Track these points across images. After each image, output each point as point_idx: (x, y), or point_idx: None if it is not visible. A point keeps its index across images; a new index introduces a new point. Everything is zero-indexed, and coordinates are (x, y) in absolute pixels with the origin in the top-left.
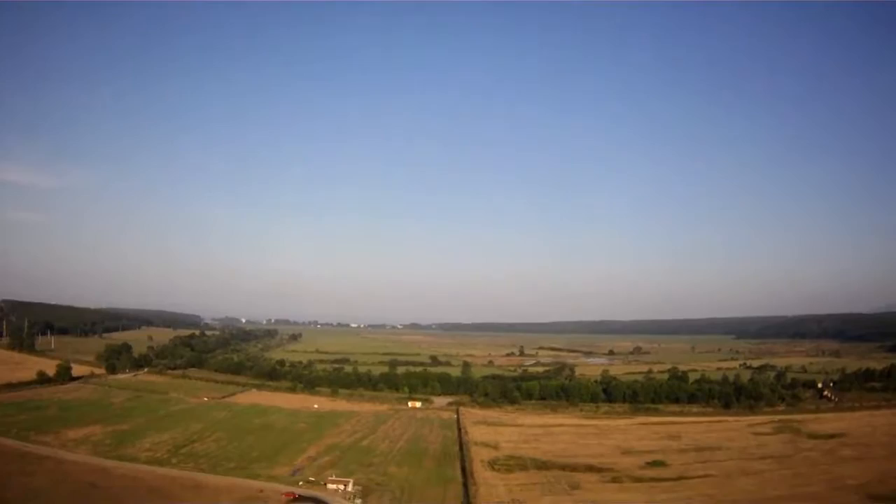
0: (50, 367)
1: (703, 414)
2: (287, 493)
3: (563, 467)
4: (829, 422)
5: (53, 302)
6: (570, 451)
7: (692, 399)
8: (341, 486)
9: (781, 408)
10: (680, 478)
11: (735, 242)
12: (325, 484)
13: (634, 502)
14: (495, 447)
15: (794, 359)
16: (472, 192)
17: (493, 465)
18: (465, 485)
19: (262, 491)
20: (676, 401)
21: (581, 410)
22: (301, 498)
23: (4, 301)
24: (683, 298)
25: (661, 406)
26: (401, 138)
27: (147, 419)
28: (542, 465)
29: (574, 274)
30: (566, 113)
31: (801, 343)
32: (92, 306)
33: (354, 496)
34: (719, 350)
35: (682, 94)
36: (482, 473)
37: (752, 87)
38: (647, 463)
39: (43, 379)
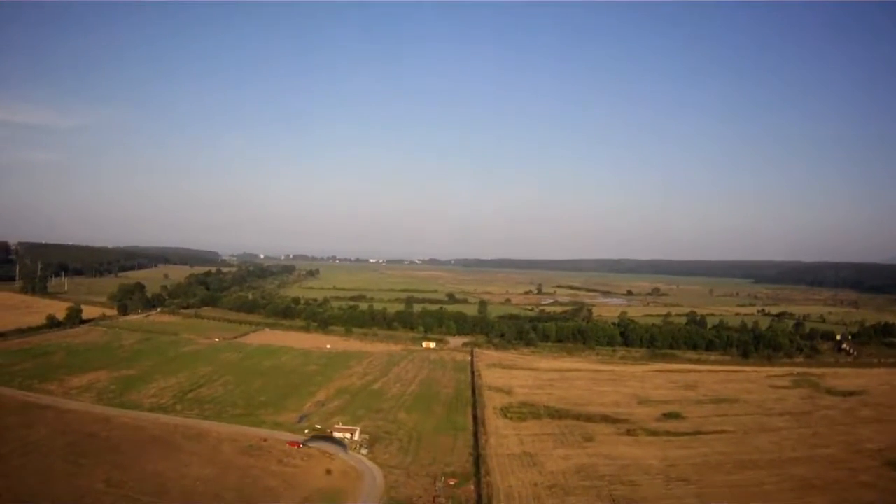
0: (60, 311)
1: (721, 362)
2: (291, 443)
3: (578, 416)
4: (848, 377)
5: (71, 243)
6: (585, 399)
7: (710, 346)
8: (347, 435)
9: (800, 359)
10: (696, 432)
11: (755, 186)
12: (331, 432)
13: (648, 458)
14: (509, 392)
15: (813, 307)
16: (491, 126)
17: (505, 412)
18: (476, 434)
19: (265, 440)
20: (694, 347)
21: (598, 354)
22: (316, 438)
23: (20, 243)
24: (702, 240)
25: (678, 352)
26: (419, 74)
27: (155, 363)
28: (556, 414)
29: (593, 211)
30: (584, 45)
31: (818, 291)
32: (110, 245)
33: (361, 445)
34: (737, 294)
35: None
36: (494, 421)
37: (782, 21)
38: (664, 415)
39: (52, 323)
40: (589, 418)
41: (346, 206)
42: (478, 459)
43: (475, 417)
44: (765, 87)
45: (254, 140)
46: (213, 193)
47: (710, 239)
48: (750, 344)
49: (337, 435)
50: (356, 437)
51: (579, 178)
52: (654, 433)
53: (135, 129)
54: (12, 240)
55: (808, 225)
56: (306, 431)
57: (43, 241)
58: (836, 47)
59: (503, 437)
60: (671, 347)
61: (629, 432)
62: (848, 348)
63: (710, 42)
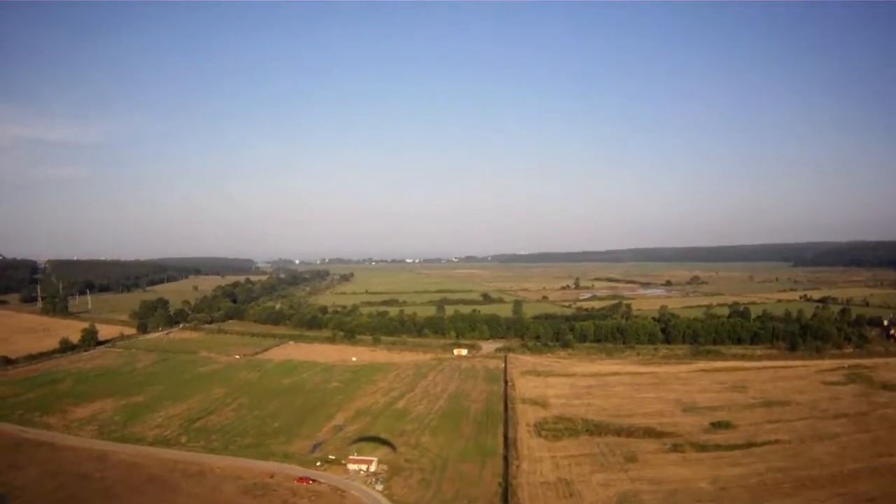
0: (76, 333)
1: (769, 357)
2: (301, 479)
3: (619, 431)
4: None
5: (101, 258)
6: (626, 409)
7: (755, 339)
8: (363, 467)
9: (849, 350)
10: (748, 444)
11: (788, 168)
12: (346, 464)
13: (698, 480)
14: (544, 405)
15: (854, 290)
16: (523, 121)
17: (539, 429)
18: (507, 458)
19: (272, 476)
20: (739, 341)
21: (638, 354)
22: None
23: (49, 262)
24: (736, 224)
25: (722, 347)
26: (453, 71)
27: (166, 386)
28: (595, 429)
29: (629, 201)
30: (623, 26)
31: (857, 271)
32: (142, 259)
33: (377, 479)
34: (777, 279)
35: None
36: (527, 442)
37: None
38: (712, 424)
39: (66, 347)
40: (630, 433)
41: (380, 207)
42: (506, 491)
43: (506, 438)
44: (792, 65)
45: (285, 144)
46: (245, 200)
47: (744, 223)
48: (797, 335)
49: (352, 467)
50: (373, 468)
51: (612, 169)
52: (702, 447)
53: (160, 140)
54: (42, 258)
55: (843, 204)
56: (318, 464)
57: (73, 258)
58: (862, 26)
59: (536, 460)
60: (715, 343)
61: (675, 448)
62: None
63: (734, 27)
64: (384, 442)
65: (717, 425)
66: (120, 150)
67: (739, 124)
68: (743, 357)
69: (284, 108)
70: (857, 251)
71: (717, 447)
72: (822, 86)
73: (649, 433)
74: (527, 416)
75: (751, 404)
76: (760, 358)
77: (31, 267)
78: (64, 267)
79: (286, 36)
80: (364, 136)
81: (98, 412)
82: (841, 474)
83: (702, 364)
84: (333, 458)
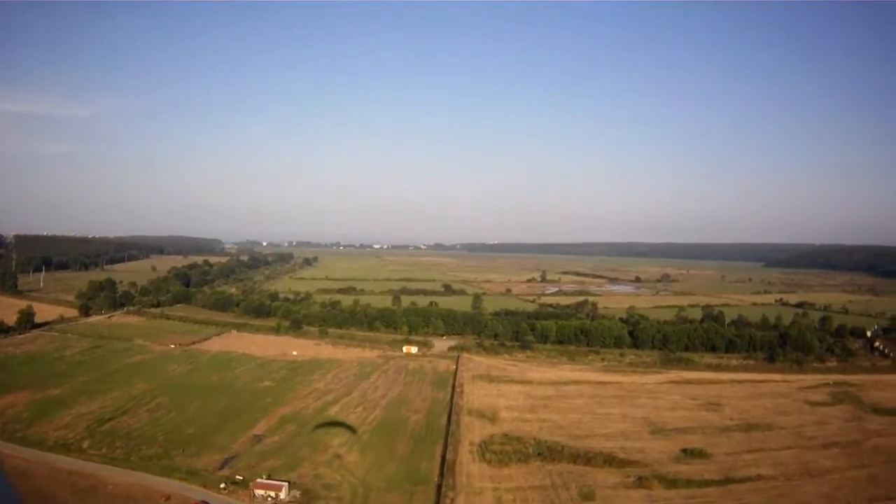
0: (13, 314)
1: (745, 368)
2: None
3: (575, 457)
4: (892, 388)
5: (72, 234)
6: (586, 427)
7: (731, 347)
8: (272, 494)
9: (832, 363)
10: (726, 479)
11: (763, 168)
12: (253, 488)
13: None
14: (492, 419)
15: (831, 295)
16: (498, 109)
17: (484, 450)
18: (440, 488)
19: (168, 499)
20: (713, 349)
21: (603, 360)
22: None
23: (16, 236)
24: (711, 223)
25: (695, 356)
26: (427, 63)
27: (89, 378)
28: (549, 453)
29: (602, 194)
30: (588, 30)
31: (832, 275)
32: (112, 235)
33: None
34: (750, 280)
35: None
36: (468, 467)
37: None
38: (683, 451)
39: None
40: (589, 459)
41: (350, 192)
42: None
43: (443, 461)
44: (772, 68)
45: (263, 128)
46: (219, 181)
47: (719, 222)
48: (776, 345)
49: (259, 493)
50: (283, 495)
51: (587, 162)
52: (671, 483)
53: (145, 119)
54: (12, 232)
55: (817, 207)
56: (222, 486)
57: (42, 234)
58: (849, 28)
59: (476, 492)
60: (687, 349)
61: (640, 482)
62: (881, 346)
63: (717, 31)
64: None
65: (690, 453)
66: (101, 128)
67: (718, 124)
68: (717, 367)
69: (262, 90)
70: (832, 254)
71: (689, 483)
72: (800, 88)
73: (610, 461)
74: (472, 432)
75: (727, 427)
76: (737, 369)
77: None
78: (27, 242)
79: (271, 21)
80: (340, 121)
81: (7, 406)
82: None
83: (672, 374)
84: (241, 478)
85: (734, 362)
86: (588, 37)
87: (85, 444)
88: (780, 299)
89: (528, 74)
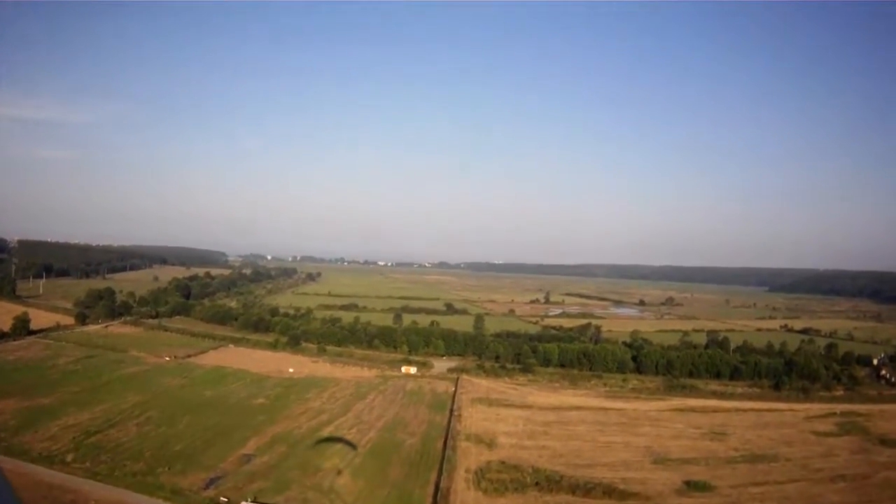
0: (9, 320)
1: (750, 396)
2: None
3: (574, 488)
4: None
5: (75, 241)
6: (587, 456)
7: (735, 374)
8: None
9: (839, 392)
10: None
11: (768, 192)
12: None
13: None
14: (490, 445)
15: (835, 321)
16: (502, 129)
17: (480, 478)
18: None
19: None
20: (718, 375)
21: (605, 385)
22: None
23: (19, 241)
24: (714, 246)
25: (699, 382)
26: (433, 74)
27: (81, 388)
28: (547, 483)
29: (606, 216)
30: (594, 46)
31: (836, 301)
32: (115, 244)
33: None
34: (754, 305)
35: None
36: (462, 496)
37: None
38: (686, 483)
39: None
40: (588, 490)
41: (357, 207)
42: None
43: (437, 489)
44: (775, 89)
45: (267, 139)
46: (225, 192)
47: (722, 245)
48: (782, 372)
49: None
50: None
51: (591, 183)
52: None
53: (147, 126)
54: (16, 237)
55: (820, 231)
56: None
57: (46, 240)
58: (850, 46)
59: None
60: (691, 375)
61: None
62: (888, 375)
63: (720, 44)
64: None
65: (693, 486)
66: (106, 134)
67: (722, 147)
68: (722, 395)
69: (269, 103)
70: (836, 279)
71: None
72: (805, 112)
73: (611, 492)
74: (469, 458)
75: (732, 458)
76: (742, 397)
77: None
78: (30, 248)
79: (278, 31)
80: (347, 137)
81: None
82: None
83: (676, 401)
84: (226, 500)
85: (739, 390)
86: (593, 58)
87: (69, 457)
88: (785, 325)
89: (539, 94)
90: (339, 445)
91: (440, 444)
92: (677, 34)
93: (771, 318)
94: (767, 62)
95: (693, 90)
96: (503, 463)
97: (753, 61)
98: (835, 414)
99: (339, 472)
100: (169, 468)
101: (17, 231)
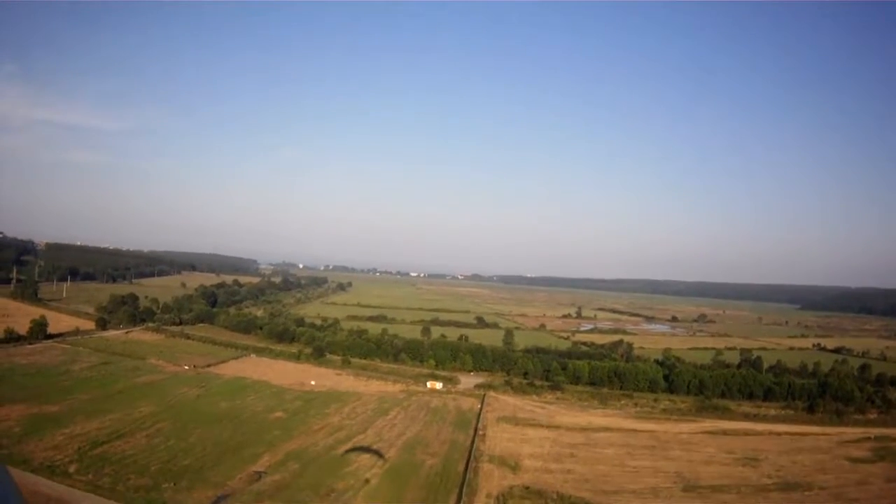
0: (27, 323)
1: (784, 419)
2: None
3: None
4: None
5: (104, 245)
6: (614, 481)
7: (769, 395)
8: None
9: (873, 414)
10: None
11: (801, 209)
12: None
13: None
14: (514, 467)
15: (867, 340)
16: (536, 145)
17: None
18: None
19: None
20: (750, 396)
21: (636, 405)
22: None
23: (47, 244)
24: (746, 263)
25: (731, 403)
26: (472, 91)
27: (92, 396)
28: None
29: (639, 231)
30: (633, 61)
31: (868, 319)
32: (145, 249)
33: None
34: (786, 323)
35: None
36: None
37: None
38: None
39: (10, 337)
40: None
41: (391, 218)
42: None
43: None
44: (806, 108)
45: (299, 148)
46: (256, 200)
47: (754, 262)
48: (816, 394)
49: None
50: None
51: (626, 200)
52: None
53: (184, 133)
54: (45, 240)
55: (853, 249)
56: None
57: (75, 243)
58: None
59: None
60: (723, 395)
61: None
62: None
63: (765, 69)
64: None
65: None
66: (137, 141)
67: (759, 164)
68: (755, 417)
69: (302, 111)
70: (868, 297)
71: None
72: (839, 128)
73: None
74: (491, 481)
75: (765, 486)
76: (775, 419)
77: (21, 248)
78: (57, 251)
79: (309, 38)
80: (379, 145)
81: (1, 420)
82: None
83: (708, 423)
84: None
85: (772, 411)
86: (637, 69)
87: (72, 468)
88: (818, 344)
89: (569, 106)
90: (353, 467)
91: (462, 466)
92: (736, 50)
93: (803, 336)
94: (805, 82)
95: (729, 112)
96: (527, 488)
97: (793, 84)
98: (869, 438)
99: (354, 495)
100: (174, 484)
101: (48, 234)
